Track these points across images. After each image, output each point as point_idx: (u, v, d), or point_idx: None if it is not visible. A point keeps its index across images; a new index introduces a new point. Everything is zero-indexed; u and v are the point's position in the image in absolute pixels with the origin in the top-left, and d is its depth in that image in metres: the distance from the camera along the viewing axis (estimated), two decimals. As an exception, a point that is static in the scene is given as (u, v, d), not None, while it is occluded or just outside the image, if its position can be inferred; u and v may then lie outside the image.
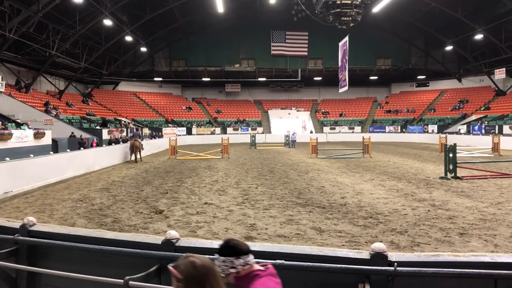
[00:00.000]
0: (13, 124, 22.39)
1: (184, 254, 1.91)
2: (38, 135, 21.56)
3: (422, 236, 6.48)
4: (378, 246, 2.56)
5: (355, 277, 2.55)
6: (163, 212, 8.56)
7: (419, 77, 49.37)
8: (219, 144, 24.51)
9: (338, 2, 27.17)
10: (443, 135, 29.34)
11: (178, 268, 1.77)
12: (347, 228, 7.07)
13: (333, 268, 2.53)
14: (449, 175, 12.92)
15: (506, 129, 32.61)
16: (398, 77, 49.82)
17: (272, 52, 47.30)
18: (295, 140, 32.42)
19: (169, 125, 44.47)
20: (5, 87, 27.82)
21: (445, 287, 2.54)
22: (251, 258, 2.02)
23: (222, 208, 8.88)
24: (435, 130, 40.80)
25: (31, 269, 3.23)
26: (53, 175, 13.66)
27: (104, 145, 23.49)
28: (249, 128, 45.46)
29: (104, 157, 18.94)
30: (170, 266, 1.81)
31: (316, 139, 23.14)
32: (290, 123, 44.69)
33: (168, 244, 2.92)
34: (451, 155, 13.09)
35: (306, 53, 47.34)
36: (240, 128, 45.64)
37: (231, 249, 2.01)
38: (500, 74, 38.90)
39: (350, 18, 28.10)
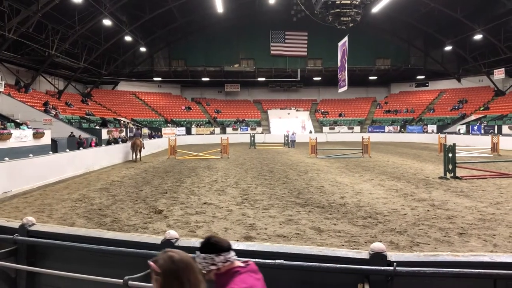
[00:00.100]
0: (12, 124, 22.37)
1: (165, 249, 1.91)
2: (37, 135, 21.54)
3: (422, 236, 6.49)
4: (378, 246, 2.56)
5: (355, 277, 2.55)
6: (162, 212, 8.56)
7: (418, 77, 49.40)
8: (219, 144, 24.51)
9: (338, 2, 27.19)
10: (443, 135, 29.38)
11: (157, 263, 1.78)
12: (346, 228, 7.07)
13: (333, 268, 2.53)
14: (448, 175, 12.93)
15: (505, 129, 32.65)
16: (397, 77, 49.85)
17: (272, 52, 47.30)
18: (295, 140, 32.41)
19: (169, 125, 44.46)
20: (4, 87, 27.79)
21: (444, 287, 2.54)
22: (232, 255, 2.03)
23: (221, 208, 8.88)
24: (435, 130, 40.82)
25: (30, 269, 3.23)
26: (52, 175, 13.66)
27: (103, 145, 23.48)
28: (249, 128, 45.45)
29: (103, 157, 18.94)
30: (150, 261, 1.83)
31: (316, 139, 23.15)
32: (289, 123, 44.68)
33: (168, 244, 2.92)
34: (450, 155, 13.10)
35: (305, 53, 47.35)
36: (239, 128, 45.63)
37: (211, 246, 2.02)
38: (499, 74, 38.95)
39: (350, 18, 28.12)
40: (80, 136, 24.53)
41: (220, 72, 46.74)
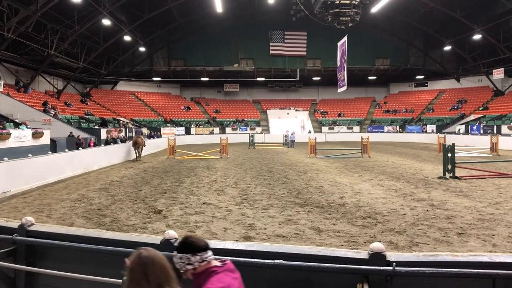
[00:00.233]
0: (12, 123, 22.34)
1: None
2: (36, 134, 21.51)
3: (421, 236, 6.49)
4: (377, 246, 2.56)
5: (354, 277, 2.55)
6: (161, 212, 8.55)
7: (417, 77, 49.43)
8: (218, 144, 24.50)
9: (337, 2, 27.19)
10: (442, 135, 29.38)
11: (129, 259, 1.86)
12: (345, 228, 7.07)
13: (332, 268, 2.53)
14: (447, 175, 12.94)
15: (504, 129, 32.68)
16: (396, 77, 49.88)
17: (271, 52, 47.31)
18: (294, 140, 32.43)
19: (168, 125, 44.43)
20: (4, 86, 27.76)
21: (443, 287, 2.54)
22: (208, 254, 2.06)
23: (220, 208, 8.88)
24: (434, 130, 40.85)
25: (29, 269, 3.22)
26: (51, 175, 13.65)
27: (102, 145, 23.47)
28: (248, 128, 45.44)
29: (102, 157, 18.93)
30: (126, 259, 1.88)
31: (315, 139, 23.16)
32: (288, 123, 44.67)
33: (167, 244, 2.92)
34: (449, 155, 13.11)
35: (304, 53, 47.37)
36: (238, 128, 45.62)
37: (188, 246, 2.05)
38: (498, 74, 38.99)
39: (349, 18, 28.13)
40: (78, 136, 24.50)
41: (219, 72, 46.73)
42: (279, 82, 50.23)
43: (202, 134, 43.68)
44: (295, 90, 52.33)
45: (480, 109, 41.62)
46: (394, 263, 2.45)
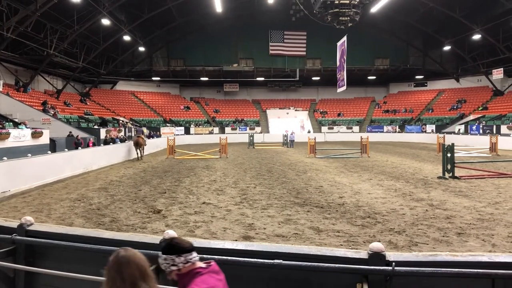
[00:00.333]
0: (11, 123, 22.33)
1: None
2: (35, 134, 21.50)
3: (420, 235, 6.49)
4: (376, 245, 2.56)
5: (353, 276, 2.55)
6: (161, 212, 8.55)
7: (417, 77, 49.44)
8: (217, 144, 24.50)
9: (336, 2, 27.19)
10: (441, 135, 29.41)
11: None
12: (345, 227, 7.08)
13: (331, 268, 2.53)
14: (447, 175, 12.95)
15: (503, 129, 32.70)
16: (396, 77, 49.89)
17: (270, 52, 47.30)
18: (294, 140, 32.43)
19: (167, 124, 44.41)
20: (3, 86, 27.73)
21: (443, 287, 2.54)
22: (193, 256, 2.07)
23: (220, 208, 8.88)
24: (433, 130, 40.87)
25: (28, 269, 3.22)
26: (50, 175, 13.64)
27: (101, 144, 23.47)
28: (247, 128, 45.43)
29: (101, 157, 18.92)
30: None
31: (314, 138, 23.17)
32: (288, 122, 44.67)
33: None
34: (449, 155, 13.12)
35: (304, 53, 47.37)
36: (238, 128, 45.62)
37: (172, 247, 2.08)
38: (497, 74, 38.99)
39: (348, 18, 28.12)
40: (77, 136, 24.48)
41: (219, 71, 46.71)
42: (278, 82, 50.22)
43: (202, 134, 43.67)
44: (295, 90, 52.33)
45: (480, 109, 41.64)
46: (393, 263, 2.45)
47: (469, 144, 27.37)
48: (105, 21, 31.70)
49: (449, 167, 13.02)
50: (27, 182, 12.13)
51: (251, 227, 7.21)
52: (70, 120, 30.92)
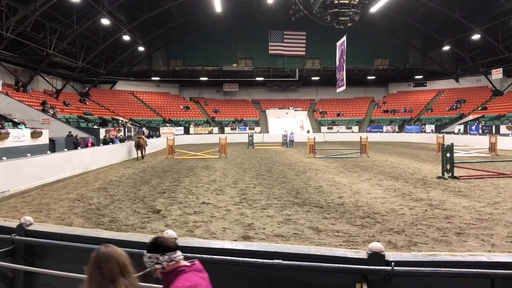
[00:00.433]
0: (10, 123, 22.32)
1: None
2: (35, 134, 21.48)
3: (419, 235, 6.50)
4: (376, 245, 2.56)
5: (353, 276, 2.55)
6: (160, 212, 8.55)
7: (416, 77, 49.48)
8: (217, 144, 24.50)
9: (336, 2, 27.18)
10: (441, 135, 29.42)
11: None
12: (344, 227, 7.08)
13: (331, 268, 2.53)
14: (446, 175, 12.96)
15: (503, 129, 32.73)
16: (395, 77, 49.92)
17: (270, 51, 47.30)
18: (293, 140, 32.45)
19: (167, 124, 44.39)
20: (2, 86, 27.71)
21: (442, 287, 2.55)
22: (177, 254, 2.12)
23: (219, 208, 8.88)
24: (433, 130, 40.90)
25: (28, 269, 3.22)
26: (50, 175, 13.63)
27: (101, 144, 23.47)
28: (247, 128, 45.44)
29: (101, 157, 18.92)
30: None
31: (314, 138, 23.18)
32: (287, 122, 44.69)
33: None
34: (448, 155, 13.12)
35: (304, 53, 47.37)
36: (237, 128, 45.62)
37: (157, 246, 2.12)
38: (497, 74, 39.02)
39: (348, 18, 28.11)
40: (76, 136, 24.47)
41: (218, 71, 46.71)
42: (278, 82, 50.22)
43: (201, 133, 43.67)
44: (294, 90, 52.33)
45: (479, 109, 41.67)
46: (392, 263, 2.45)
47: (469, 144, 27.40)
48: (105, 21, 31.68)
49: (448, 167, 13.03)
50: (26, 182, 12.13)
51: (251, 227, 7.21)
52: (69, 120, 30.91)
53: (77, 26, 30.15)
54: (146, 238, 3.33)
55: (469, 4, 34.38)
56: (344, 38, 33.74)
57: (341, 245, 6.07)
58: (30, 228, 3.40)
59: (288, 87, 51.72)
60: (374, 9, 33.46)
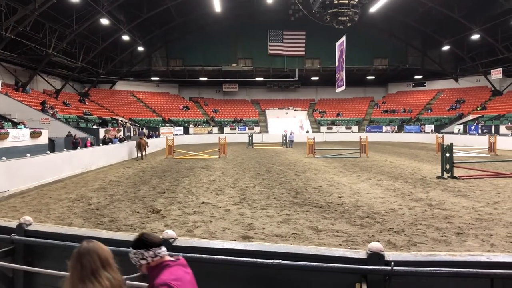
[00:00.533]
0: (10, 123, 22.30)
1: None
2: (34, 134, 21.47)
3: (419, 235, 6.50)
4: (375, 245, 2.56)
5: (352, 276, 2.55)
6: (160, 212, 8.55)
7: (416, 77, 49.49)
8: (216, 144, 24.50)
9: (335, 2, 27.18)
10: (440, 135, 29.44)
11: None
12: (344, 227, 7.08)
13: (330, 268, 2.53)
14: (445, 175, 12.96)
15: (502, 129, 32.75)
16: (395, 77, 49.94)
17: (270, 51, 47.29)
18: (293, 140, 32.46)
19: (166, 124, 44.38)
20: (2, 86, 27.68)
21: (441, 287, 2.55)
22: (162, 250, 2.16)
23: (219, 208, 8.88)
24: (432, 130, 40.91)
25: (27, 269, 3.22)
26: (49, 175, 13.63)
27: (100, 144, 23.46)
28: (247, 128, 45.44)
29: (100, 157, 18.91)
30: None
31: (313, 138, 23.18)
32: (287, 122, 44.69)
33: (165, 244, 2.91)
34: (448, 155, 13.13)
35: (303, 53, 47.37)
36: (237, 128, 45.62)
37: (141, 242, 2.16)
38: (496, 74, 39.04)
39: (347, 18, 28.11)
40: (75, 136, 24.46)
41: (218, 71, 46.71)
42: (277, 81, 50.22)
43: (201, 133, 43.66)
44: (294, 90, 52.33)
45: (478, 109, 41.69)
46: (392, 263, 2.45)
47: (468, 144, 27.41)
48: (104, 21, 31.66)
49: (448, 167, 13.04)
50: (26, 182, 12.12)
51: (250, 227, 7.21)
52: (69, 120, 30.89)
53: (77, 26, 30.14)
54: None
55: (469, 4, 34.40)
56: (344, 38, 33.75)
57: (340, 245, 6.08)
58: (29, 228, 3.40)
59: (287, 87, 51.72)
60: (373, 9, 33.47)
